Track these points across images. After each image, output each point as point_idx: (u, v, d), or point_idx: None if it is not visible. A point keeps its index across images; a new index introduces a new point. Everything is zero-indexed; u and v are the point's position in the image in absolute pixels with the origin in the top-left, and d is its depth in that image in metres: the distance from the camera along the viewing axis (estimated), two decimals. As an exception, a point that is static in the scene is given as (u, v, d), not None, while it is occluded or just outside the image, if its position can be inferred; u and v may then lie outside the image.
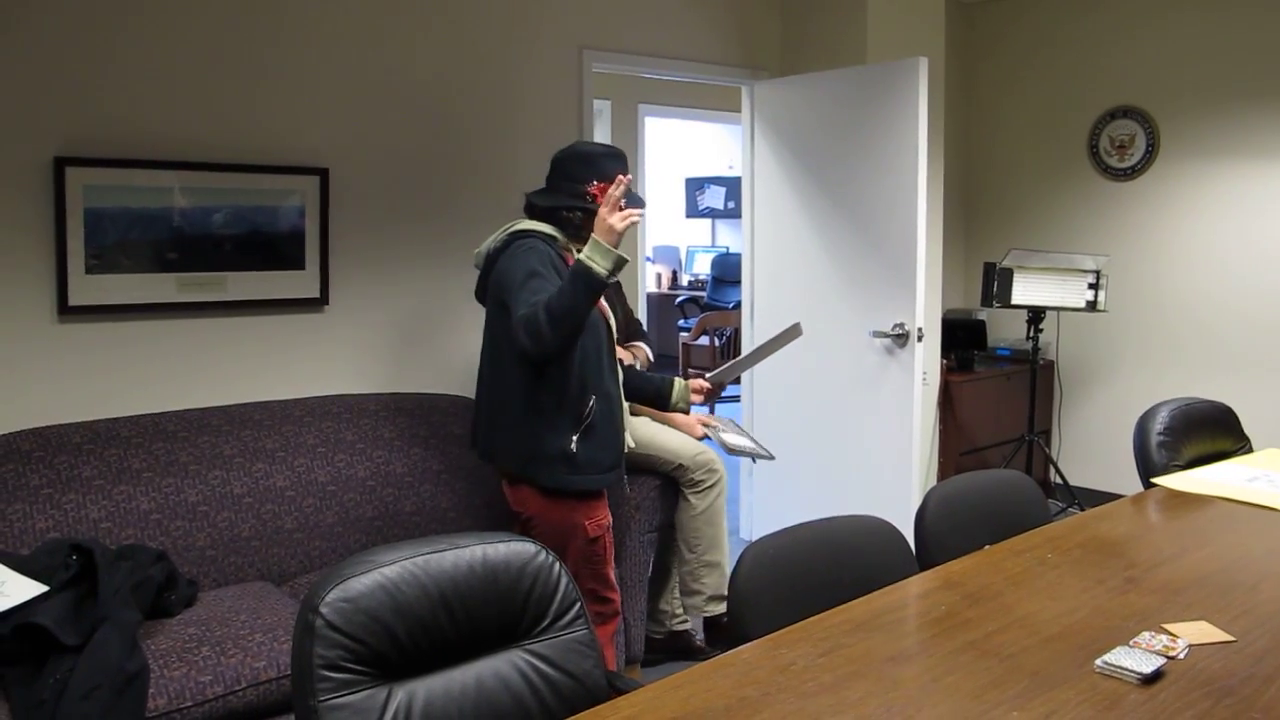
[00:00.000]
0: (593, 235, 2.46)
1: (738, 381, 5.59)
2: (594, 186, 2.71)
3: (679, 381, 3.11)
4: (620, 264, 2.44)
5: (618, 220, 2.44)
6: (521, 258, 2.61)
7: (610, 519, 2.81)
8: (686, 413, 3.28)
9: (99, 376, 3.12)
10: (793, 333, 3.12)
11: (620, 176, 2.52)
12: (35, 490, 2.75)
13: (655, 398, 3.10)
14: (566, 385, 2.63)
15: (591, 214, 2.64)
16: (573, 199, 2.75)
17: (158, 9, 3.14)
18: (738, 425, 3.62)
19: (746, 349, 3.47)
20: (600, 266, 2.41)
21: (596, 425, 2.67)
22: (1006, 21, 5.89)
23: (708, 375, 3.14)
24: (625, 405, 2.88)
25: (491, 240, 2.79)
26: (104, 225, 3.07)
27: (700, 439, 3.50)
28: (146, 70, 3.14)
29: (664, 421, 3.47)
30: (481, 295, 2.84)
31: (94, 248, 3.06)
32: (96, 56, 3.05)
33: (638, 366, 3.35)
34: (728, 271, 9.62)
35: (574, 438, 2.64)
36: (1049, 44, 5.70)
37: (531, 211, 2.80)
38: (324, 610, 1.48)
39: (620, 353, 3.10)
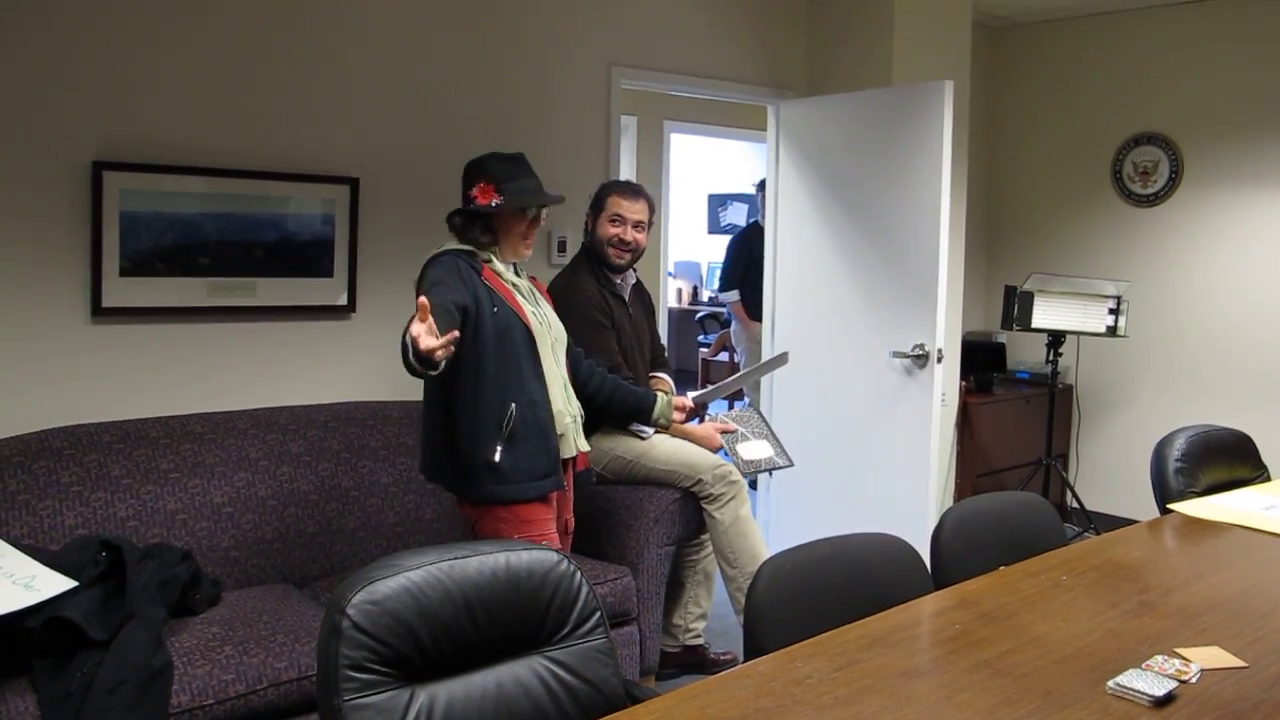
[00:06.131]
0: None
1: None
2: (476, 189, 2.70)
3: (662, 397, 3.13)
4: (413, 362, 2.17)
5: (415, 331, 2.12)
6: (428, 274, 2.61)
7: (553, 526, 2.71)
8: (668, 429, 3.29)
9: (130, 377, 3.18)
10: (779, 360, 3.22)
11: (420, 301, 2.14)
12: (65, 487, 2.80)
13: (636, 412, 3.12)
14: (480, 394, 2.58)
15: (473, 215, 2.68)
16: (462, 205, 2.74)
17: (196, 17, 3.21)
18: (761, 418, 3.61)
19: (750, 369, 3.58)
20: (404, 359, 2.22)
21: (520, 433, 2.60)
22: (1032, 46, 5.91)
23: (692, 395, 3.19)
24: (569, 409, 2.77)
25: None
26: (139, 229, 3.13)
27: (717, 450, 3.52)
28: (184, 77, 3.20)
29: (682, 435, 3.49)
30: None
31: (128, 251, 3.12)
32: (135, 62, 3.12)
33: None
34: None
35: (498, 448, 2.56)
36: (1074, 69, 5.72)
37: (450, 227, 2.78)
38: (350, 612, 1.52)
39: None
